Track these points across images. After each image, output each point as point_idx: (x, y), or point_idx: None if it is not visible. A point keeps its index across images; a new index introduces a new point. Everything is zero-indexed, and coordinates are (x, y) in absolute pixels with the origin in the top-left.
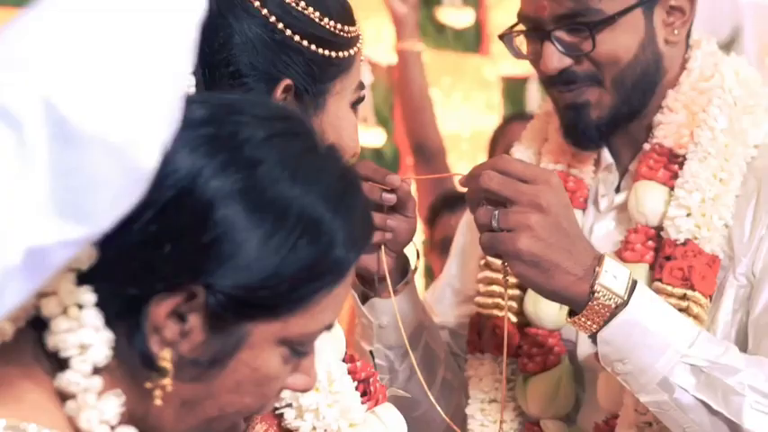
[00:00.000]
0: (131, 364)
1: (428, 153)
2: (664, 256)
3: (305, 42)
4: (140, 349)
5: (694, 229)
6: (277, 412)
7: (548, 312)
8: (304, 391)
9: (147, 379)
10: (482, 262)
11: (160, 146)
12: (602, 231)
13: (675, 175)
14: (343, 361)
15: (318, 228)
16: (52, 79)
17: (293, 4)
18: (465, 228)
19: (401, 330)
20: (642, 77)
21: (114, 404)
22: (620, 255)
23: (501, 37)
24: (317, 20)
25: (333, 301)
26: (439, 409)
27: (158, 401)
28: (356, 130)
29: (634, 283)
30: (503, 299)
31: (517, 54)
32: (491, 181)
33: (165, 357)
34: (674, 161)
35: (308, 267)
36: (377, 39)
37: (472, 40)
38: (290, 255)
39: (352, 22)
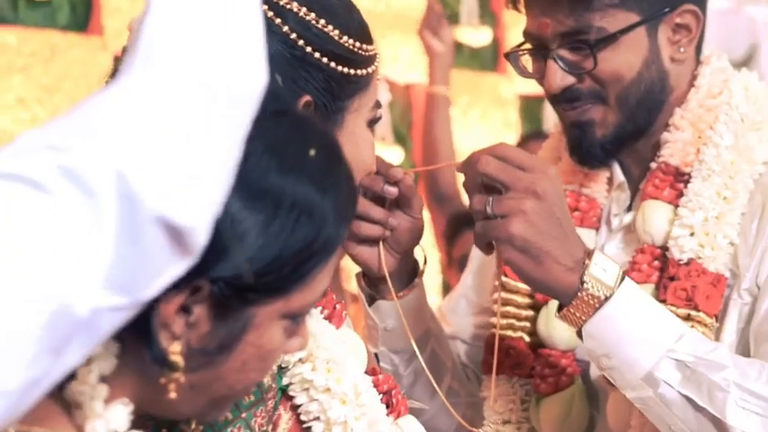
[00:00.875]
0: (141, 364)
1: (444, 197)
2: (668, 277)
3: (324, 59)
4: (151, 348)
5: (697, 248)
6: (305, 426)
7: (560, 333)
8: (299, 350)
9: (159, 375)
10: (497, 282)
11: (208, 230)
12: (613, 251)
13: (681, 194)
14: (366, 373)
15: (311, 209)
16: (126, 152)
17: (313, 22)
18: None
19: (407, 332)
20: (647, 95)
21: (122, 413)
22: (627, 275)
23: (507, 55)
24: (336, 37)
25: (327, 270)
26: (448, 405)
27: (173, 395)
28: (373, 148)
29: (623, 278)
30: (518, 320)
31: (522, 72)
32: (488, 165)
33: (176, 351)
34: (680, 180)
35: (306, 247)
36: (394, 58)
37: (489, 59)
38: (288, 239)
39: (369, 41)
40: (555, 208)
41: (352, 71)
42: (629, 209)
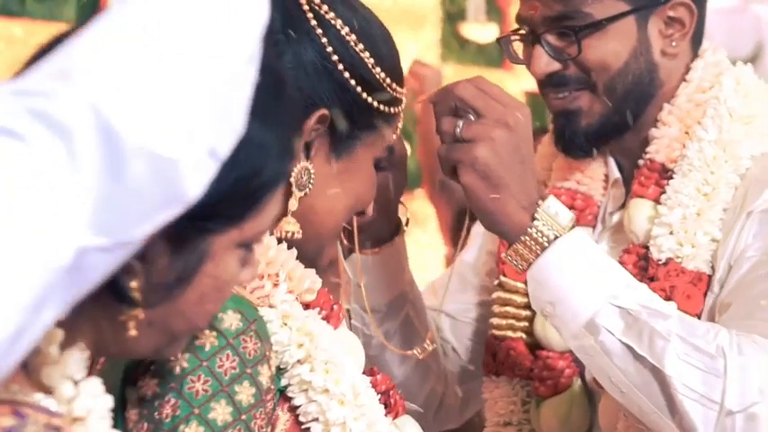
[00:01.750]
0: (98, 303)
1: (448, 185)
2: (648, 277)
3: (353, 82)
4: (110, 285)
5: (676, 247)
6: (303, 426)
7: (557, 334)
8: (251, 281)
9: (118, 313)
10: (496, 282)
11: (210, 167)
12: (605, 250)
13: (664, 191)
14: (364, 374)
15: (262, 143)
16: (101, 87)
17: (352, 43)
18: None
19: (360, 290)
20: (634, 87)
21: (78, 359)
22: None
23: (498, 41)
24: (369, 65)
25: (276, 198)
26: (386, 343)
27: (133, 332)
28: (374, 187)
29: (574, 226)
30: (517, 320)
31: (513, 58)
32: (465, 90)
33: (135, 287)
34: (664, 177)
35: (255, 177)
36: (402, 53)
37: (496, 56)
38: (241, 172)
39: (400, 83)
40: (522, 144)
41: (375, 103)
42: (623, 206)
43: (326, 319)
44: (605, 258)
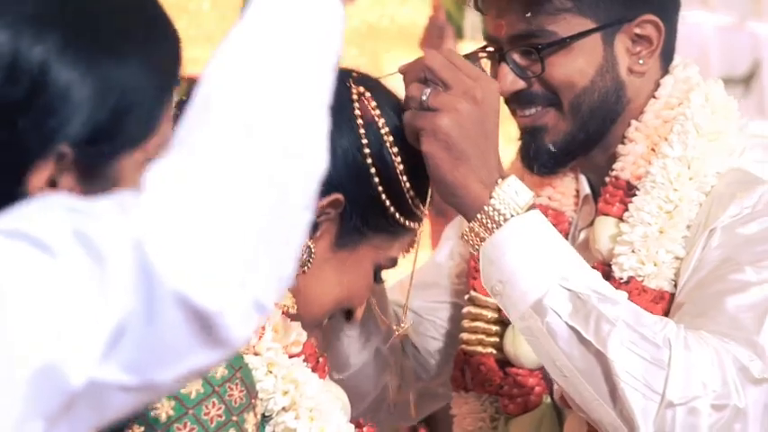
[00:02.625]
0: None
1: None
2: None
3: (377, 179)
4: None
5: (637, 266)
6: None
7: (527, 352)
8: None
9: None
10: (466, 297)
11: (254, 319)
12: None
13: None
14: (350, 423)
15: (149, 62)
16: (151, 224)
17: (388, 144)
18: (454, 228)
19: None
20: (600, 105)
21: None
22: None
23: (466, 57)
24: (399, 173)
25: (169, 113)
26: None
27: None
28: (367, 290)
29: (533, 207)
30: (487, 335)
31: None
32: (434, 60)
33: None
34: (629, 194)
35: (149, 96)
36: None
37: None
38: (132, 94)
39: (423, 202)
40: (487, 119)
41: (393, 209)
42: (592, 223)
43: (312, 370)
44: (559, 241)
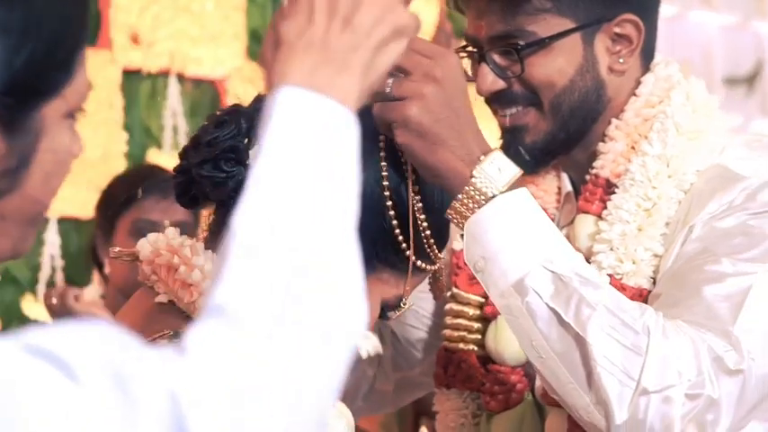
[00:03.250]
0: None
1: None
2: None
3: (391, 212)
4: None
5: (616, 263)
6: None
7: (509, 348)
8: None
9: None
10: (448, 293)
11: None
12: None
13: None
14: None
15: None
16: (191, 381)
17: (411, 182)
18: None
19: None
20: (581, 104)
21: None
22: None
23: None
24: (416, 211)
25: (83, 58)
26: None
27: None
28: (373, 321)
29: (519, 183)
30: (469, 332)
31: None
32: None
33: None
34: (609, 192)
35: (61, 45)
36: None
37: None
38: (42, 44)
39: (440, 247)
40: (453, 97)
41: (405, 246)
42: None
43: None
44: (545, 221)
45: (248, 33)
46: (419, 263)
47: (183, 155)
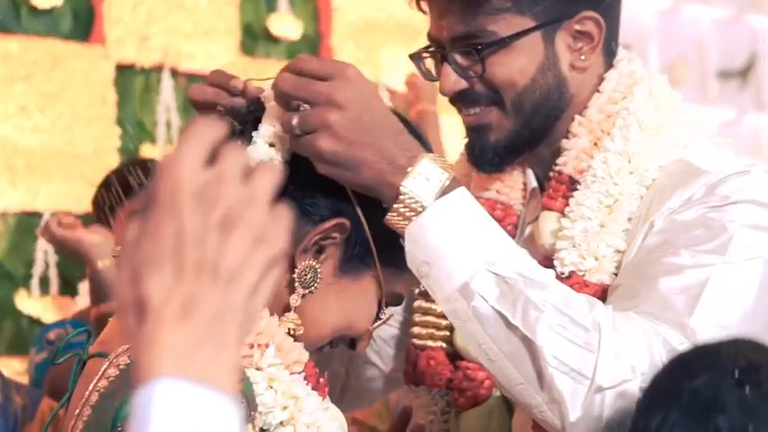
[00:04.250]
0: None
1: None
2: None
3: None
4: None
5: (578, 260)
6: None
7: None
8: None
9: None
10: (416, 290)
11: None
12: None
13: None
14: None
15: None
16: None
17: None
18: None
19: None
20: (543, 102)
21: None
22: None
23: (411, 57)
24: None
25: None
26: None
27: None
28: (368, 322)
29: (453, 185)
30: (437, 329)
31: (425, 75)
32: (284, 83)
33: None
34: (572, 189)
35: None
36: (395, 66)
37: None
38: None
39: None
40: (361, 113)
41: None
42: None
43: (312, 389)
44: (486, 222)
45: (242, 28)
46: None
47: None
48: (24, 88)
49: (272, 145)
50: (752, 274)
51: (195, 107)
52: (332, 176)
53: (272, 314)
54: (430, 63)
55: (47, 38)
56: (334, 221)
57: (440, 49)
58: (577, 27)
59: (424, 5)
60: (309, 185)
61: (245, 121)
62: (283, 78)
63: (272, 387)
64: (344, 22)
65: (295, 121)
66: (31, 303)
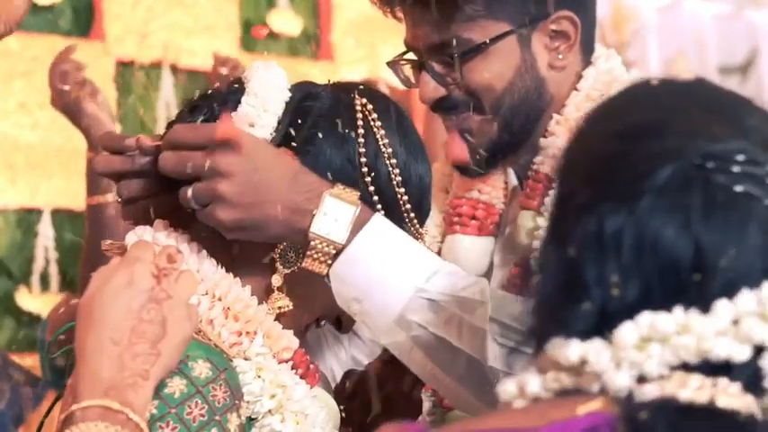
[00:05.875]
0: None
1: None
2: (528, 290)
3: (371, 188)
4: None
5: None
6: None
7: None
8: None
9: None
10: None
11: None
12: (499, 261)
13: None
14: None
15: None
16: None
17: (386, 156)
18: None
19: None
20: (522, 104)
21: None
22: (506, 289)
23: (389, 64)
24: (396, 185)
25: None
26: None
27: None
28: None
29: (363, 214)
30: None
31: (404, 82)
32: (167, 163)
33: None
34: (550, 188)
35: None
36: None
37: None
38: None
39: (420, 219)
40: (250, 175)
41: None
42: None
43: (303, 377)
44: (409, 247)
45: (241, 24)
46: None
47: (162, 140)
48: (24, 85)
49: (251, 125)
50: None
51: (107, 177)
52: (244, 239)
53: (258, 298)
54: (408, 70)
55: (47, 34)
56: None
57: (417, 56)
58: (553, 27)
59: (399, 13)
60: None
61: (225, 101)
62: (164, 158)
63: (259, 376)
64: (344, 19)
65: (189, 195)
66: (31, 300)
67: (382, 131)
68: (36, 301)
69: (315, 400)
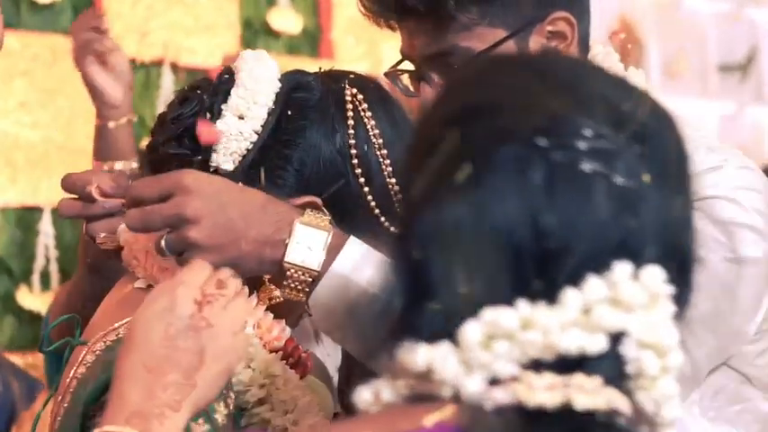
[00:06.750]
0: None
1: None
2: None
3: (362, 180)
4: None
5: None
6: None
7: None
8: None
9: None
10: None
11: None
12: None
13: None
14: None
15: None
16: None
17: (377, 147)
18: None
19: None
20: None
21: None
22: None
23: (386, 75)
24: (386, 175)
25: None
26: None
27: None
28: None
29: (336, 239)
30: None
31: (404, 92)
32: (134, 222)
33: None
34: None
35: None
36: (395, 61)
37: None
38: None
39: None
40: (216, 217)
41: (377, 211)
42: None
43: (294, 366)
44: (386, 268)
45: (242, 23)
46: (393, 228)
47: (153, 133)
48: (24, 83)
49: (241, 118)
50: (714, 271)
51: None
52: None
53: (249, 288)
54: (407, 80)
55: (47, 33)
56: (303, 199)
57: (414, 65)
58: (550, 28)
59: (393, 23)
60: (281, 158)
61: (215, 93)
62: (131, 217)
63: (249, 366)
64: (345, 17)
65: (163, 245)
66: (31, 299)
67: (373, 122)
68: (37, 299)
69: (306, 389)
